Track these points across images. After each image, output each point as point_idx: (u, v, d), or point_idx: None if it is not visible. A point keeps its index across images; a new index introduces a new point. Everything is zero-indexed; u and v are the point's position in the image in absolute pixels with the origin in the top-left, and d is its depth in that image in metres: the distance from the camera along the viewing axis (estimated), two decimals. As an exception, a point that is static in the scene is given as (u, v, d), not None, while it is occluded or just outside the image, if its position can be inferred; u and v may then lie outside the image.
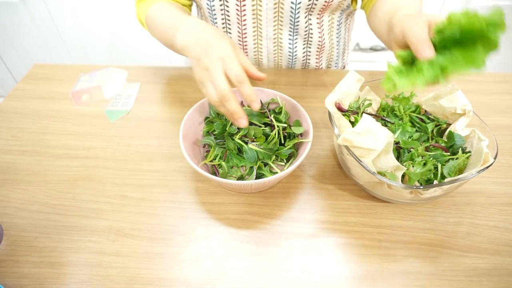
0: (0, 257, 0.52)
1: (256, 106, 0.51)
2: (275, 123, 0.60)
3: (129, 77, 0.82)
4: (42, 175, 0.62)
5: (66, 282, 0.49)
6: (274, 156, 0.58)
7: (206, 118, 0.64)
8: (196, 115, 0.62)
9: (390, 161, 0.49)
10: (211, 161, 0.58)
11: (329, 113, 0.55)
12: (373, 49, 1.61)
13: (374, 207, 0.57)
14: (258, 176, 0.56)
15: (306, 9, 0.70)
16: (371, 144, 0.48)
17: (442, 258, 0.51)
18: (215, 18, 0.74)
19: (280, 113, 0.63)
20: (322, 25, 0.75)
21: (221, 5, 0.71)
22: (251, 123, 0.60)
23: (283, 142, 0.60)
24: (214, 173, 0.58)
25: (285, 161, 0.60)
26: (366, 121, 0.49)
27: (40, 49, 1.63)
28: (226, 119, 0.60)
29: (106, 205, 0.58)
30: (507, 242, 0.52)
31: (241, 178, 0.57)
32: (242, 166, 0.57)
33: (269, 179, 0.51)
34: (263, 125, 0.60)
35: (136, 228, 0.55)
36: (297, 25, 0.73)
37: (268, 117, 0.61)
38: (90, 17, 1.52)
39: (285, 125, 0.61)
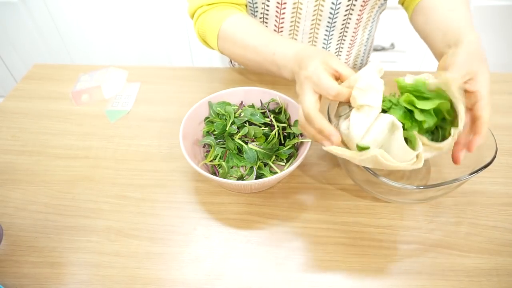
0: (0, 257, 0.52)
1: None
2: (275, 123, 0.60)
3: (129, 77, 0.82)
4: (42, 175, 0.62)
5: (66, 282, 0.49)
6: (274, 156, 0.58)
7: (206, 118, 0.64)
8: (196, 115, 0.62)
9: (385, 118, 0.44)
10: (211, 161, 0.58)
11: (328, 114, 0.55)
12: (374, 49, 1.61)
13: (374, 207, 0.57)
14: (258, 176, 0.56)
15: (347, 5, 0.70)
16: (372, 100, 0.44)
17: (442, 258, 0.51)
18: (256, 11, 0.73)
19: (280, 113, 0.63)
20: (360, 22, 0.75)
21: None
22: (251, 123, 0.60)
23: (283, 142, 0.60)
24: (214, 173, 0.58)
25: (285, 161, 0.60)
26: (368, 76, 0.46)
27: (40, 49, 1.63)
28: (226, 119, 0.60)
29: (106, 205, 0.58)
30: (507, 242, 0.52)
31: (241, 178, 0.57)
32: (242, 166, 0.57)
33: (269, 179, 0.51)
34: (263, 125, 0.60)
35: (136, 228, 0.55)
36: (335, 20, 0.72)
37: (268, 117, 0.61)
38: (90, 17, 1.52)
39: (285, 125, 0.61)
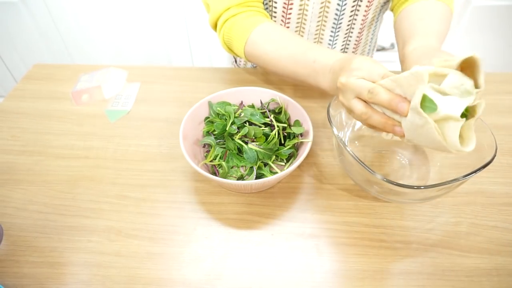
0: (0, 257, 0.52)
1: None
2: (275, 123, 0.60)
3: (129, 77, 0.82)
4: (42, 175, 0.62)
5: (66, 282, 0.49)
6: (274, 156, 0.59)
7: (206, 118, 0.64)
8: (196, 115, 0.62)
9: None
10: (211, 161, 0.59)
11: (328, 113, 0.55)
12: (373, 49, 1.61)
13: (374, 207, 0.57)
14: (258, 176, 0.56)
15: (352, 6, 0.70)
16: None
17: (442, 258, 0.51)
18: None
19: (280, 113, 0.63)
20: (365, 22, 0.75)
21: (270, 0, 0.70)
22: (251, 123, 0.60)
23: (283, 142, 0.60)
24: (214, 173, 0.58)
25: (285, 161, 0.60)
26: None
27: (40, 49, 1.63)
28: (226, 119, 0.60)
29: (106, 205, 0.58)
30: (507, 242, 0.52)
31: (241, 178, 0.57)
32: (242, 166, 0.57)
33: (269, 179, 0.51)
34: (263, 125, 0.60)
35: (136, 228, 0.55)
36: (341, 21, 0.73)
37: (268, 117, 0.61)
38: (91, 17, 1.52)
39: (285, 125, 0.61)
